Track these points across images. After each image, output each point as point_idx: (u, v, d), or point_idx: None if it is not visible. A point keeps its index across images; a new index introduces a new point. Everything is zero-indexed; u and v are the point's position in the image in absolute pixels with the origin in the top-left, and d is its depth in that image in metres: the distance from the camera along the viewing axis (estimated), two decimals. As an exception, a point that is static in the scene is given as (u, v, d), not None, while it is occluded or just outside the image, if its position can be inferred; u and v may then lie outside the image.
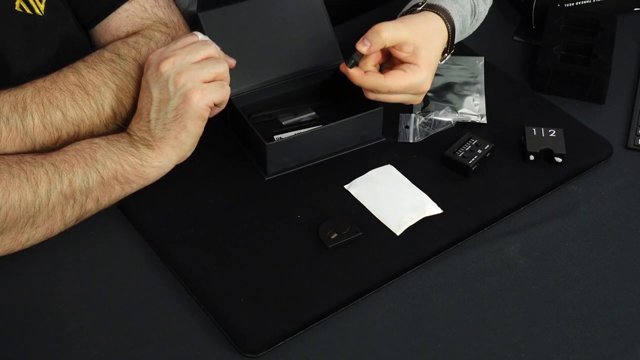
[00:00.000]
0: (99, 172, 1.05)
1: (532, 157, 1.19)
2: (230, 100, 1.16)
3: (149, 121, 1.08)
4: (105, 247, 1.09)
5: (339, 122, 1.17)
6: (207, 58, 1.09)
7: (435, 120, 1.24)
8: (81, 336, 0.99)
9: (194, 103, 1.06)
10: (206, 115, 1.08)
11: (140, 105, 1.10)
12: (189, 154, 1.11)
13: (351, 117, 1.17)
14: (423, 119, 1.24)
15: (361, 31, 1.42)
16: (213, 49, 1.10)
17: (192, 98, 1.06)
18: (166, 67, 1.07)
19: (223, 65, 1.09)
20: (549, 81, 1.31)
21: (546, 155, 1.19)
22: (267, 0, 1.22)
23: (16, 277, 1.05)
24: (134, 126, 1.09)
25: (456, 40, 1.24)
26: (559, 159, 1.18)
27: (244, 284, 1.04)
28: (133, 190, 1.09)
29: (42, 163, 1.03)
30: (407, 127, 1.23)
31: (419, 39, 1.16)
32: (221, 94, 1.08)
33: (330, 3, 1.25)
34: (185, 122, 1.07)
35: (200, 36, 1.12)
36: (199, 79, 1.07)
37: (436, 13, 1.20)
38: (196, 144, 1.10)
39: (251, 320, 1.00)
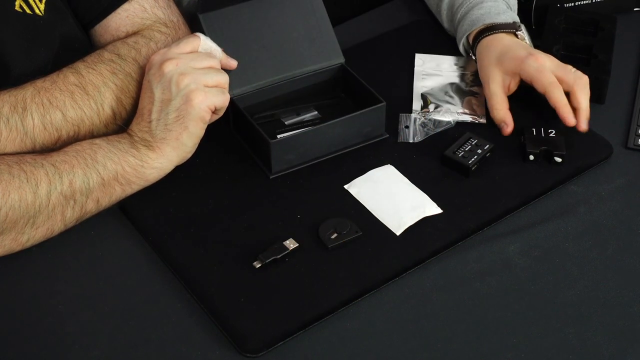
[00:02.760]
0: (99, 173, 1.05)
1: (531, 157, 1.19)
2: (232, 101, 1.16)
3: (150, 121, 1.08)
4: (105, 247, 1.09)
5: (342, 118, 1.17)
6: (209, 67, 1.10)
7: (435, 120, 1.24)
8: (81, 336, 0.99)
9: (196, 104, 1.06)
10: (207, 117, 1.08)
11: (142, 106, 1.10)
12: (189, 155, 1.11)
13: (355, 113, 1.17)
14: (423, 119, 1.24)
15: (362, 30, 1.43)
16: (216, 62, 1.11)
17: (195, 99, 1.06)
18: (170, 67, 1.07)
19: (224, 77, 1.10)
20: (549, 81, 1.31)
21: (546, 155, 1.19)
22: (267, 1, 1.22)
23: (16, 277, 1.05)
24: (134, 127, 1.09)
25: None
26: (558, 159, 1.18)
27: (244, 284, 1.04)
28: (133, 191, 1.09)
29: (42, 164, 1.03)
30: (407, 127, 1.23)
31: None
32: (222, 99, 1.09)
33: (330, 2, 1.26)
34: (186, 123, 1.07)
35: (202, 37, 1.12)
36: (202, 82, 1.07)
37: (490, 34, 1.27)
38: (197, 145, 1.10)
39: (251, 320, 1.00)
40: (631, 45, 1.41)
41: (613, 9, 1.43)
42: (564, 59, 1.33)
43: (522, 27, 1.28)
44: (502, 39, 1.26)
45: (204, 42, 1.12)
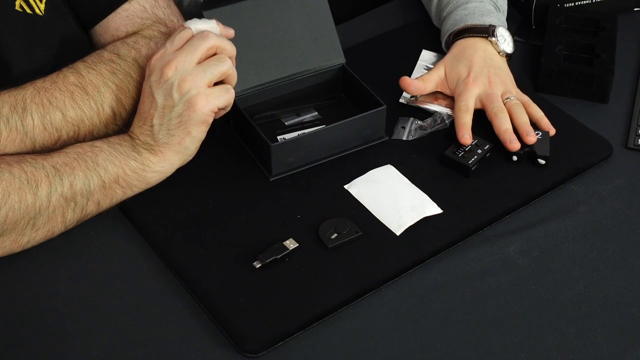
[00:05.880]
0: (100, 176, 1.05)
1: (515, 158, 1.19)
2: (233, 101, 1.16)
3: (152, 126, 1.08)
4: (105, 247, 1.09)
5: (343, 121, 1.17)
6: (208, 53, 1.07)
7: (429, 121, 1.24)
8: (81, 336, 0.99)
9: (199, 109, 1.06)
10: (210, 120, 1.08)
11: (143, 109, 1.09)
12: (191, 158, 1.11)
13: (355, 117, 1.17)
14: (420, 122, 1.24)
15: (362, 30, 1.43)
16: (212, 40, 1.07)
17: (197, 104, 1.05)
18: (170, 73, 1.06)
19: (226, 64, 1.08)
20: (552, 81, 1.31)
21: (530, 157, 1.19)
22: (271, 0, 1.22)
23: (16, 277, 1.05)
24: (136, 130, 1.09)
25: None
26: (542, 161, 1.18)
27: (244, 284, 1.04)
28: (134, 193, 1.09)
29: (43, 165, 1.03)
30: (403, 127, 1.24)
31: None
32: (225, 98, 1.08)
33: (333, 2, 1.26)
34: (189, 129, 1.07)
35: (192, 26, 1.09)
36: (203, 83, 1.06)
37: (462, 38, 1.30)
38: (198, 147, 1.10)
39: (251, 320, 1.00)
40: (631, 45, 1.41)
41: (613, 9, 1.43)
42: (567, 59, 1.33)
43: (501, 30, 1.28)
44: (469, 46, 1.27)
45: (195, 30, 1.09)
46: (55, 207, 1.03)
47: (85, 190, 1.04)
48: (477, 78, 1.24)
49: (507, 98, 1.22)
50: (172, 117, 1.07)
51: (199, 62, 1.07)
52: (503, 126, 1.19)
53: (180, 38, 1.08)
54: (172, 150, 1.08)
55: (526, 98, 1.24)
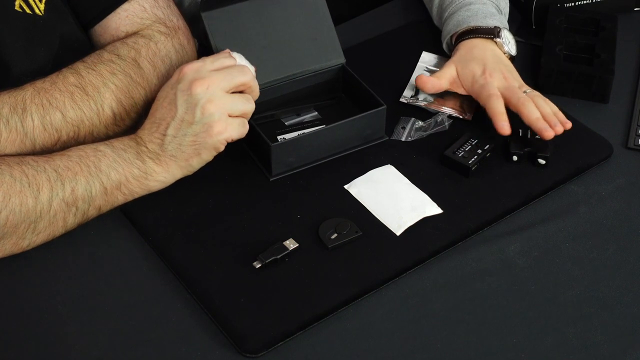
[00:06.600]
0: (102, 183, 1.05)
1: (515, 158, 1.18)
2: None
3: (164, 135, 1.07)
4: (105, 247, 1.09)
5: (343, 121, 1.17)
6: (240, 88, 1.08)
7: (429, 122, 1.24)
8: (81, 336, 0.99)
9: (215, 135, 1.06)
10: (222, 148, 1.08)
11: (160, 115, 1.08)
12: (192, 173, 1.11)
13: (355, 117, 1.17)
14: (421, 122, 1.24)
15: (362, 30, 1.43)
16: (249, 77, 1.08)
17: (215, 130, 1.05)
18: (199, 89, 1.05)
19: (250, 106, 1.08)
20: (552, 81, 1.31)
21: (530, 157, 1.19)
22: (269, 0, 1.22)
23: (16, 277, 1.05)
24: (145, 135, 1.08)
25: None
26: (542, 161, 1.18)
27: (244, 284, 1.04)
28: (134, 198, 1.09)
29: (45, 168, 1.02)
30: (404, 128, 1.24)
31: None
32: (240, 132, 1.08)
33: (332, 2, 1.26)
34: (200, 150, 1.07)
35: (238, 59, 1.10)
36: (227, 112, 1.06)
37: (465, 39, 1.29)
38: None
39: (251, 320, 1.00)
40: (631, 45, 1.41)
41: (613, 9, 1.43)
42: (567, 59, 1.33)
43: (505, 32, 1.28)
44: (475, 46, 1.27)
45: (239, 62, 1.11)
46: (56, 211, 1.03)
47: (86, 196, 1.04)
48: (493, 73, 1.23)
49: (523, 91, 1.22)
50: (187, 133, 1.06)
51: (229, 91, 1.07)
52: (533, 115, 1.18)
53: (221, 62, 1.08)
54: (177, 164, 1.08)
55: (538, 93, 1.23)
